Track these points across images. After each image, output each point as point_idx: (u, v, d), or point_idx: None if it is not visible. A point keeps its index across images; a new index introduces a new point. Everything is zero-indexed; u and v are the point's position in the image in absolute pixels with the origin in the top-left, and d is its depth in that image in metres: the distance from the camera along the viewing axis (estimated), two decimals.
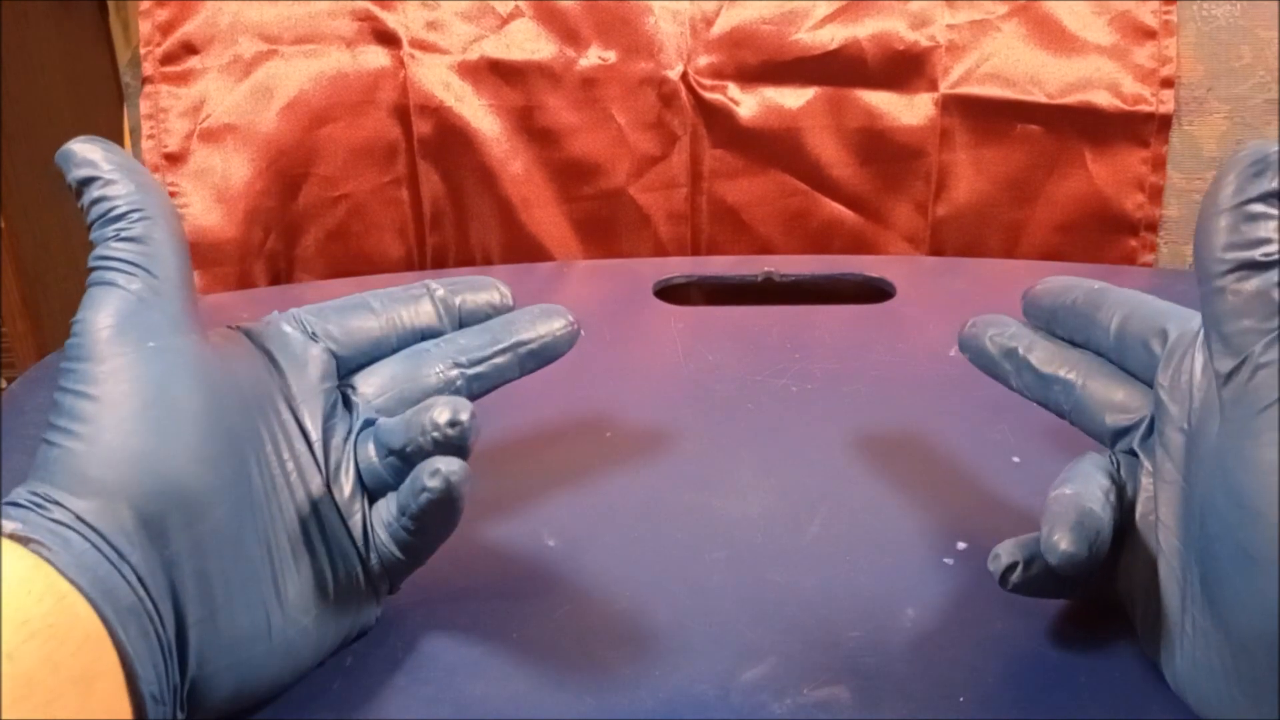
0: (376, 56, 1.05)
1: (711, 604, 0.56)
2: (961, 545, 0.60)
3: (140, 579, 0.44)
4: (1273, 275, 0.45)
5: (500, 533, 0.61)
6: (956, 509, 0.64)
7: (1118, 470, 0.54)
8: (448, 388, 0.58)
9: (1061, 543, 0.49)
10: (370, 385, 0.57)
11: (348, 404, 0.56)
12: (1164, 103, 1.05)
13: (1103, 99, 1.05)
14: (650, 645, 0.54)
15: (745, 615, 0.56)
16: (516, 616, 0.55)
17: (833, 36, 1.05)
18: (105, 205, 0.49)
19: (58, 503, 0.44)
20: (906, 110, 1.06)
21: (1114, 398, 0.56)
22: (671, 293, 0.96)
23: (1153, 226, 1.07)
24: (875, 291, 0.95)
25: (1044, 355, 0.59)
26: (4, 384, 1.38)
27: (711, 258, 1.08)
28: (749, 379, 0.79)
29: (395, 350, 0.58)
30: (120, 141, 1.09)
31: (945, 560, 0.59)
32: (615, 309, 0.92)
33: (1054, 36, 1.05)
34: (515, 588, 0.57)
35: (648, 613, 0.56)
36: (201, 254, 1.05)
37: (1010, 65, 1.05)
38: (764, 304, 0.93)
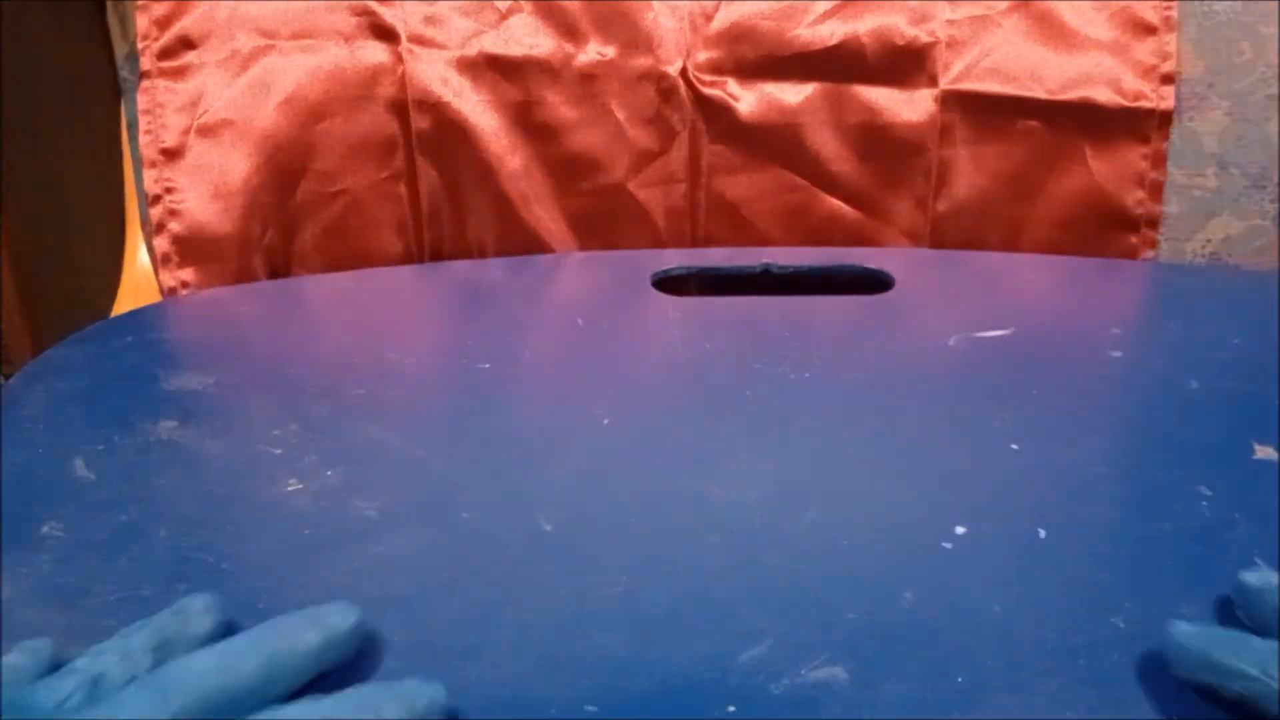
0: (375, 52, 1.05)
1: (709, 587, 0.56)
2: (960, 529, 0.60)
3: None
4: None
5: (496, 517, 0.61)
6: (954, 494, 0.64)
7: None
8: None
9: None
10: None
11: None
12: (1164, 99, 1.04)
13: (1103, 95, 1.04)
14: (647, 628, 0.53)
15: (742, 598, 0.56)
16: (513, 600, 0.55)
17: (832, 32, 1.04)
18: None
19: None
20: (906, 106, 1.06)
21: None
22: (669, 284, 0.96)
23: (1154, 223, 1.06)
24: (873, 283, 0.95)
25: None
26: (2, 379, 1.37)
27: (710, 250, 1.08)
28: (746, 367, 0.79)
29: None
30: (117, 137, 1.09)
31: (943, 544, 0.59)
32: (613, 299, 0.92)
33: (1054, 32, 1.05)
34: (511, 571, 0.57)
35: (645, 596, 0.56)
36: (198, 250, 1.04)
37: (1011, 61, 1.05)
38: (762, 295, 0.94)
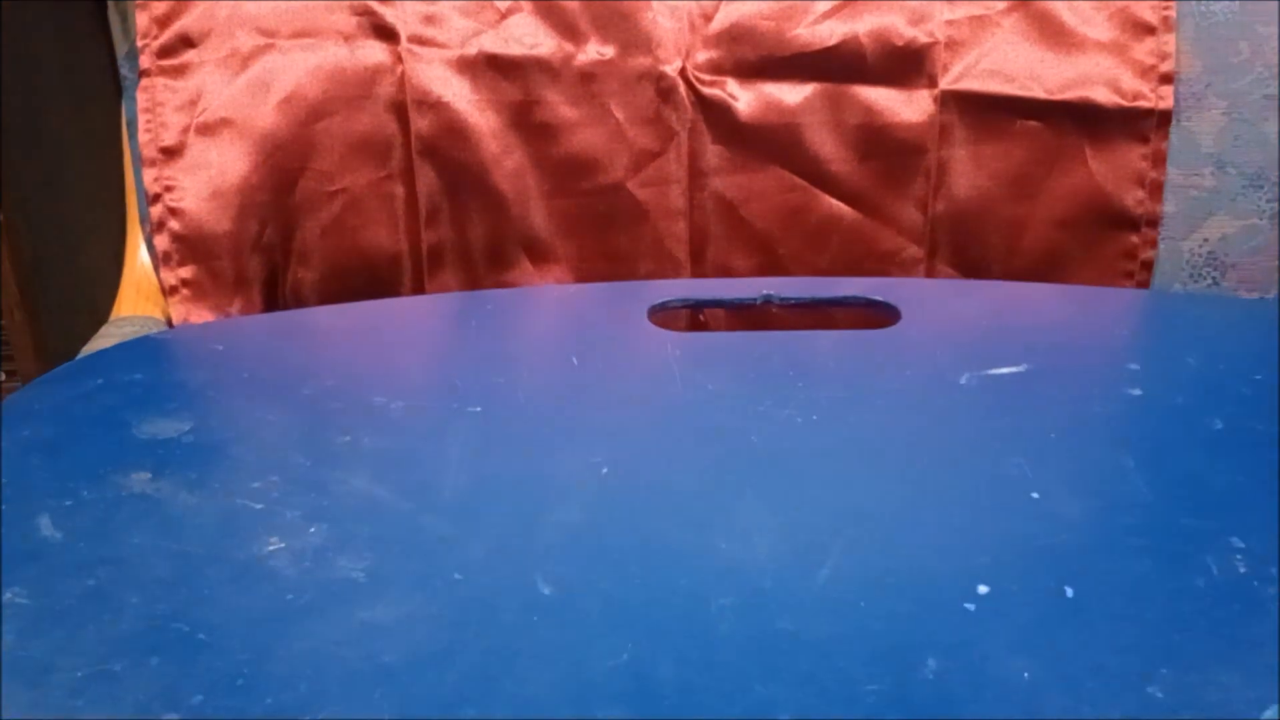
0: (374, 51, 1.00)
1: (719, 656, 0.50)
2: (983, 589, 0.53)
3: None
4: None
5: (491, 578, 0.54)
6: (975, 549, 0.57)
7: None
8: None
9: None
10: None
11: None
12: (1163, 99, 1.00)
13: (1102, 95, 1.00)
14: (655, 703, 0.47)
15: (756, 668, 0.49)
16: (509, 671, 0.49)
17: (831, 32, 0.99)
18: None
19: None
20: (906, 106, 1.01)
21: None
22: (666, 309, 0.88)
23: (1154, 222, 1.02)
24: (879, 315, 0.87)
25: None
26: (3, 375, 1.32)
27: (706, 280, 1.01)
28: (751, 409, 0.71)
29: None
30: (118, 135, 1.04)
31: (966, 605, 0.52)
32: (608, 334, 0.85)
33: (1053, 32, 1.00)
34: (507, 640, 0.50)
35: (651, 666, 0.49)
36: (198, 248, 0.99)
37: (1010, 61, 1.00)
38: (764, 324, 0.86)
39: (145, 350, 0.83)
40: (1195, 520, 0.58)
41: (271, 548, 0.56)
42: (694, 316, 0.94)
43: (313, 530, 0.57)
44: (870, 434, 0.68)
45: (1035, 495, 0.60)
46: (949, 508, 0.60)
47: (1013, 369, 0.74)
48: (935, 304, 0.89)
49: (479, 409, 0.69)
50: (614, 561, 0.56)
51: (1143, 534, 0.57)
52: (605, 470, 0.63)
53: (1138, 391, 0.72)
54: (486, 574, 0.53)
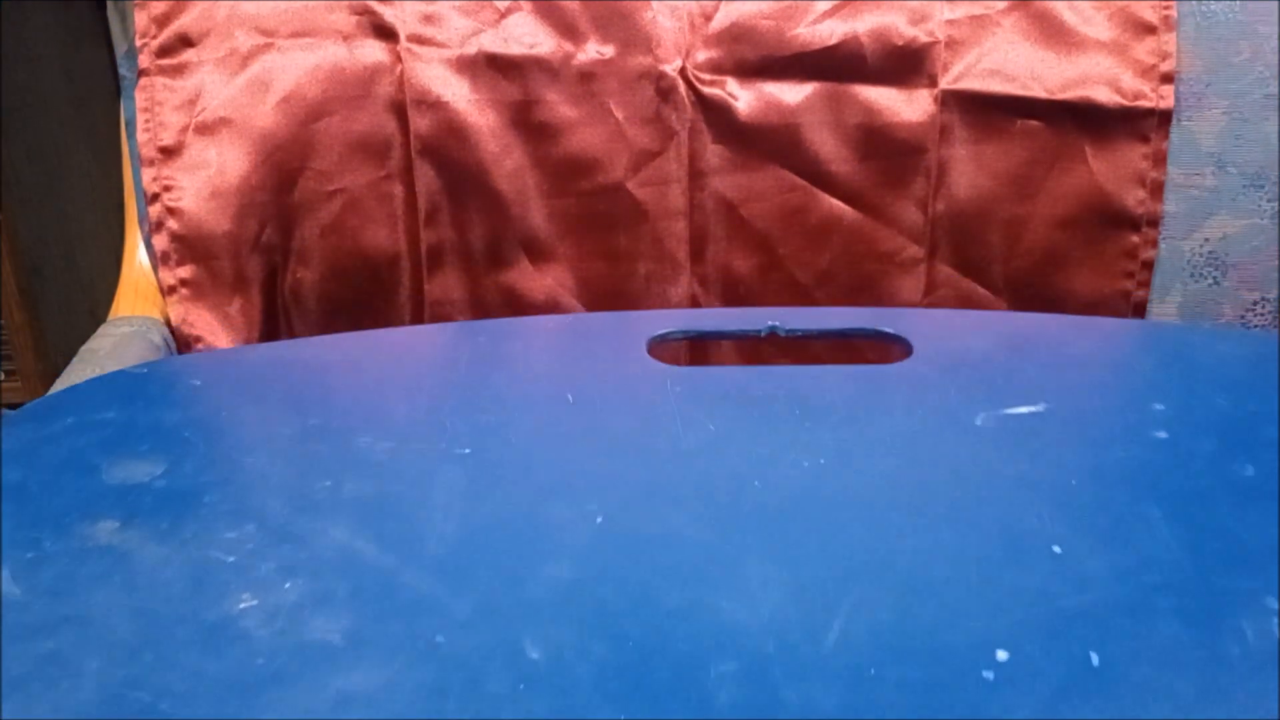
0: (374, 51, 0.95)
1: None
2: (1002, 655, 0.47)
3: None
4: None
5: (476, 641, 0.48)
6: (994, 610, 0.50)
7: None
8: None
9: None
10: None
11: None
12: (1164, 98, 0.95)
13: (1103, 94, 0.95)
14: None
15: None
16: None
17: (831, 32, 0.95)
18: None
19: None
20: (906, 106, 0.96)
21: None
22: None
23: (1154, 222, 0.97)
24: (889, 348, 0.80)
25: None
26: (2, 375, 1.26)
27: (709, 311, 0.96)
28: (754, 453, 0.64)
29: None
30: (116, 134, 0.99)
31: (984, 673, 0.46)
32: (606, 369, 0.77)
33: (1054, 32, 0.95)
34: (493, 710, 0.44)
35: None
36: (196, 247, 0.95)
37: (1010, 61, 0.95)
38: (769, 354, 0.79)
39: (119, 386, 0.76)
40: (1228, 579, 0.52)
41: (243, 605, 0.50)
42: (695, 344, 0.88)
43: (288, 586, 0.51)
44: (881, 481, 0.62)
45: (1057, 549, 0.54)
46: (965, 563, 0.54)
47: (1030, 409, 0.67)
48: (947, 336, 0.82)
49: (468, 450, 0.63)
50: (607, 622, 0.50)
51: (1173, 594, 0.51)
52: (600, 519, 0.57)
53: (1163, 434, 0.65)
54: (471, 637, 0.48)
